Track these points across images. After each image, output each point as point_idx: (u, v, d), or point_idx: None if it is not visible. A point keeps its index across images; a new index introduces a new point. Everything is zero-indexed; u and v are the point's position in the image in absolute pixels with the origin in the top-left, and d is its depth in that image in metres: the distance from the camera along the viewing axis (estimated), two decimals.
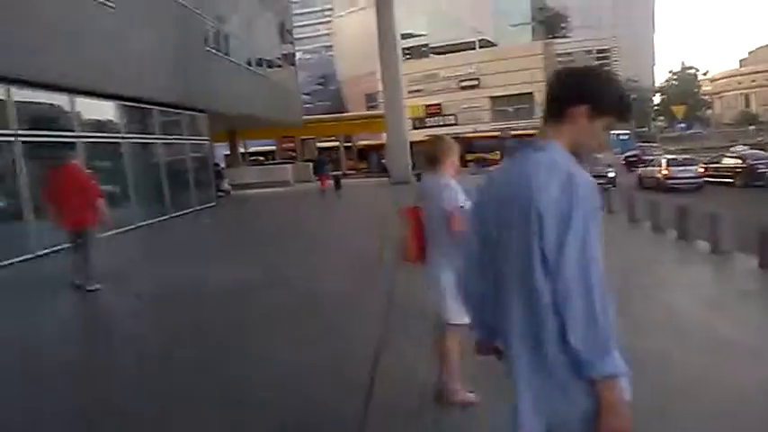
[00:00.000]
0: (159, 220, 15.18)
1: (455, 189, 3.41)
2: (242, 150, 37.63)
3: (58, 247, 10.15)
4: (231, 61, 21.25)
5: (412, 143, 28.55)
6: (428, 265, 3.56)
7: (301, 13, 66.02)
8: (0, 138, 9.90)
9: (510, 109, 50.29)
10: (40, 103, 11.32)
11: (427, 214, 3.53)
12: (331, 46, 76.08)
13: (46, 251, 10.26)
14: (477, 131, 41.22)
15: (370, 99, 54.64)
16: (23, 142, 10.30)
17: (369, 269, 7.67)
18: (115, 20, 12.91)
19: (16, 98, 10.26)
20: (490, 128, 45.05)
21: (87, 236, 7.35)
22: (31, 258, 10.06)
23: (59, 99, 11.74)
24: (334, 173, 25.85)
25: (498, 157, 33.93)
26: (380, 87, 33.41)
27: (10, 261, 9.61)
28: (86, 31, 11.88)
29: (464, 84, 52.43)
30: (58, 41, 10.83)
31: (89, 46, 11.87)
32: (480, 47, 57.19)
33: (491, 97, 51.82)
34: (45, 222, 9.63)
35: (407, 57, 47.83)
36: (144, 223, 14.14)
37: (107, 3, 12.61)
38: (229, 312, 6.22)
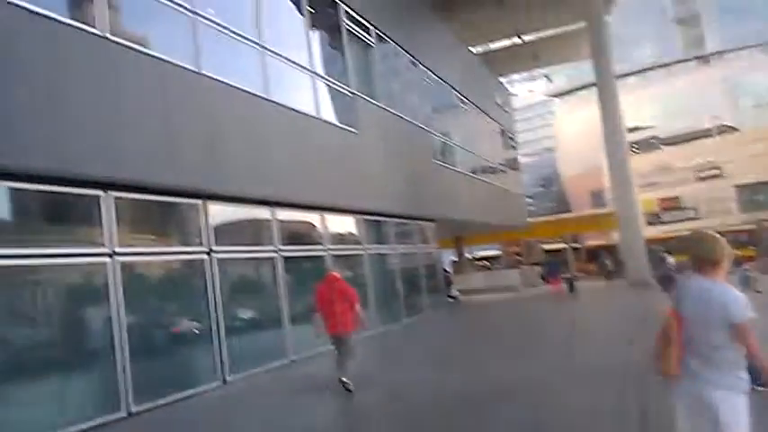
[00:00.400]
0: (395, 325, 15.71)
1: (741, 297, 2.94)
2: (468, 256, 38.20)
3: (313, 353, 11.02)
4: (457, 171, 22.09)
5: (647, 241, 26.52)
6: (689, 380, 3.04)
7: (523, 119, 67.34)
8: (265, 254, 11.24)
9: (762, 198, 44.70)
10: (295, 222, 12.70)
11: (694, 321, 3.05)
12: (553, 148, 75.88)
13: (302, 356, 11.14)
14: (724, 225, 37.01)
15: (596, 197, 52.47)
16: (283, 257, 11.55)
17: (616, 382, 6.93)
18: (358, 143, 14.30)
19: (278, 217, 11.64)
20: (740, 221, 40.25)
21: (348, 340, 8.08)
22: (289, 363, 10.95)
23: (311, 217, 13.08)
24: (566, 275, 24.82)
25: (754, 253, 29.93)
26: (607, 184, 32.07)
27: (271, 365, 10.54)
28: (335, 156, 13.26)
29: (703, 174, 48.08)
30: (312, 168, 12.21)
31: (337, 168, 13.20)
32: (718, 133, 52.57)
33: (737, 186, 46.61)
34: (301, 329, 10.53)
35: (635, 150, 45.57)
36: (383, 328, 14.73)
37: (351, 129, 14.06)
38: (471, 421, 5.96)
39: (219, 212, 10.16)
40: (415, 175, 17.97)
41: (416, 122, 18.64)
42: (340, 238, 14.29)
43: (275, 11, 12.35)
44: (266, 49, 11.25)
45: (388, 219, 16.66)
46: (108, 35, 7.77)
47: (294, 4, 12.81)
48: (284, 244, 11.68)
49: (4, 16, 6.47)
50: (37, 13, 6.84)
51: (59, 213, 7.92)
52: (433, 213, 19.44)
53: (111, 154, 7.71)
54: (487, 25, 26.83)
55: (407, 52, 18.68)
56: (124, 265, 8.10)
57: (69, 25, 7.34)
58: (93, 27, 7.64)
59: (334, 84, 13.94)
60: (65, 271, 7.62)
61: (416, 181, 17.96)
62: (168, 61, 8.75)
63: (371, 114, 15.42)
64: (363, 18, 15.55)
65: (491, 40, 29.97)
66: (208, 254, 9.67)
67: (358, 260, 14.80)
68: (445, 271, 24.92)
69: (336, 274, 8.53)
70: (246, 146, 10.36)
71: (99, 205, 7.89)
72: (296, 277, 11.86)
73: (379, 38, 16.65)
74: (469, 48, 27.86)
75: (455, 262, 34.58)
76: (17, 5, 6.61)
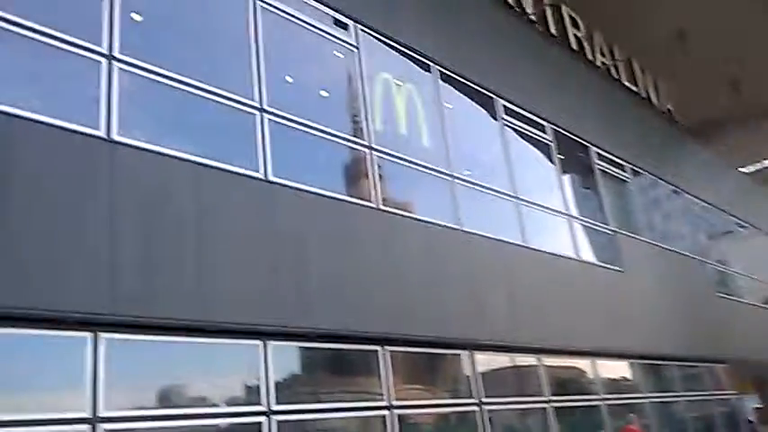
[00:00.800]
0: None
1: None
2: None
3: None
4: (746, 303, 19.44)
5: None
6: None
7: None
8: (536, 404, 10.83)
9: None
10: (564, 368, 12.13)
11: None
12: None
13: None
14: None
15: None
16: (554, 407, 10.99)
17: None
18: (624, 281, 13.59)
19: (545, 364, 11.27)
20: None
21: None
22: None
23: (580, 363, 12.40)
24: None
25: None
26: None
27: None
28: (600, 297, 12.74)
29: None
30: (576, 311, 11.86)
31: (603, 310, 12.60)
32: None
33: None
34: None
35: None
36: None
37: (615, 267, 13.48)
38: None
39: (485, 362, 10.19)
40: (695, 311, 16.22)
41: (689, 253, 17.20)
42: (615, 386, 13.17)
43: (526, 163, 12.86)
44: (520, 199, 11.68)
45: (668, 362, 15.04)
46: (381, 206, 8.84)
47: (544, 154, 13.26)
48: (554, 393, 11.16)
49: (298, 197, 7.78)
50: (324, 195, 8.12)
51: (343, 369, 8.67)
52: (722, 354, 17.05)
53: (390, 312, 8.42)
54: (756, 143, 24.52)
55: (667, 182, 17.78)
56: (401, 418, 8.45)
57: (351, 202, 8.56)
58: (369, 201, 8.79)
59: (591, 223, 13.73)
60: (348, 423, 8.19)
61: (697, 317, 16.17)
62: (433, 223, 9.57)
63: (636, 250, 14.67)
64: (615, 156, 15.40)
65: (764, 158, 27.13)
66: (478, 405, 9.64)
67: (639, 410, 13.40)
68: (750, 422, 21.19)
69: (635, 426, 7.89)
70: (507, 293, 10.50)
71: (377, 360, 8.51)
72: (569, 429, 11.13)
73: (634, 172, 16.22)
74: (739, 168, 25.58)
75: (758, 409, 29.28)
76: (309, 192, 7.94)
